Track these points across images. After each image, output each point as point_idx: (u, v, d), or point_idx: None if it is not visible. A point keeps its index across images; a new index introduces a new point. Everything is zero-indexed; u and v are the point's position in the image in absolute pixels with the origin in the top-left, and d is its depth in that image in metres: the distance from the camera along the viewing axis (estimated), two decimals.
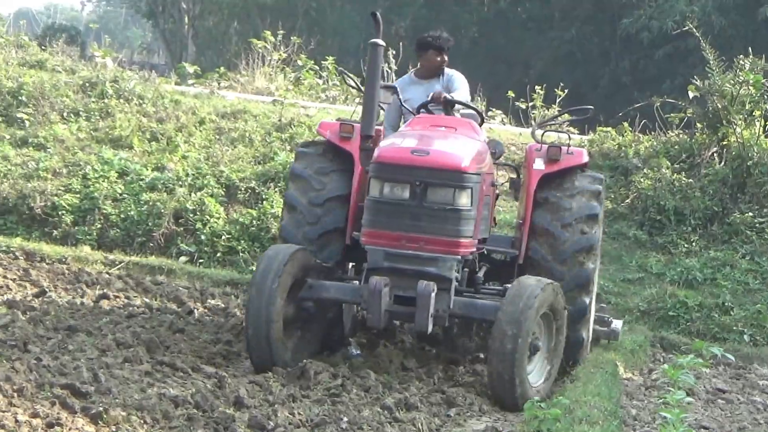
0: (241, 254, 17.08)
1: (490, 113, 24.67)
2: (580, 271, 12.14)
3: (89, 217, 17.75)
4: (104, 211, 17.78)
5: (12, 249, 16.05)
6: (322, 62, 26.53)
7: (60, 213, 17.73)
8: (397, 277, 11.07)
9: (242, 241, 17.30)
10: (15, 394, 8.83)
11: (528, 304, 10.72)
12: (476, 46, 45.51)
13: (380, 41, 11.70)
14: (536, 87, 24.50)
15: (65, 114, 21.12)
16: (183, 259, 17.17)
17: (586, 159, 12.89)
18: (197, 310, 14.17)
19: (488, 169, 11.98)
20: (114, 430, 8.36)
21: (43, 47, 26.92)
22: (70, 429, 8.18)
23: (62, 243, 17.05)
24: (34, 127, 20.40)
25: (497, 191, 13.13)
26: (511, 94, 24.97)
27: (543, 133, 13.13)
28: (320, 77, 26.06)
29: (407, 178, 11.25)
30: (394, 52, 24.60)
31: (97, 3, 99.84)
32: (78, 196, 18.04)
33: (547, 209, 12.33)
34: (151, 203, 17.83)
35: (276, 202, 17.33)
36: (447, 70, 12.89)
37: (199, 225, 17.33)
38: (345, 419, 9.55)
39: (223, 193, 17.94)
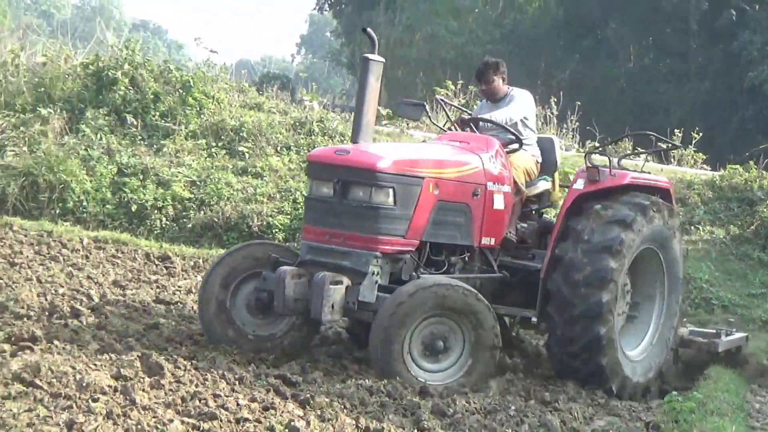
0: None
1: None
2: (591, 302, 10.74)
3: (298, 235, 17.94)
4: None
5: None
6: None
7: (273, 231, 18.15)
8: (317, 270, 10.32)
9: None
10: (236, 383, 9.12)
11: (393, 311, 9.83)
12: (624, 95, 45.34)
13: (372, 56, 11.16)
14: (675, 131, 24.56)
15: (279, 148, 21.69)
16: None
17: (628, 181, 11.41)
18: None
19: (460, 177, 10.91)
20: (319, 413, 8.47)
21: (260, 92, 27.49)
22: (282, 412, 8.34)
23: None
24: (252, 158, 20.99)
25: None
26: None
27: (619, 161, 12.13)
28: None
29: (329, 176, 10.64)
30: (555, 99, 24.70)
31: (304, 55, 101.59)
32: (289, 216, 18.47)
33: (569, 234, 11.14)
34: None
35: None
36: (514, 90, 12.04)
37: None
38: (512, 408, 9.58)
39: None
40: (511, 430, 8.87)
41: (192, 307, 12.68)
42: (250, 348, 10.75)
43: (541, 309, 11.13)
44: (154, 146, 20.68)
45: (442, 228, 10.82)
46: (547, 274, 11.08)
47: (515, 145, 11.73)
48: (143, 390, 8.30)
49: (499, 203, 11.18)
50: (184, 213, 18.76)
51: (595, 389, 10.88)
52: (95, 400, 7.78)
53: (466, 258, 11.17)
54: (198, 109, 22.40)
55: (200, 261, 16.48)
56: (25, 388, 7.88)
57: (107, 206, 18.84)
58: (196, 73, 24.02)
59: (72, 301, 12.02)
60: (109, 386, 8.22)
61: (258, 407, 8.40)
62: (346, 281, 10.24)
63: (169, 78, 21.96)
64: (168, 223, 18.62)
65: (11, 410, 7.26)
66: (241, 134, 21.74)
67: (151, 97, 21.08)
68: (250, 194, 19.20)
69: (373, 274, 10.27)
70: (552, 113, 24.21)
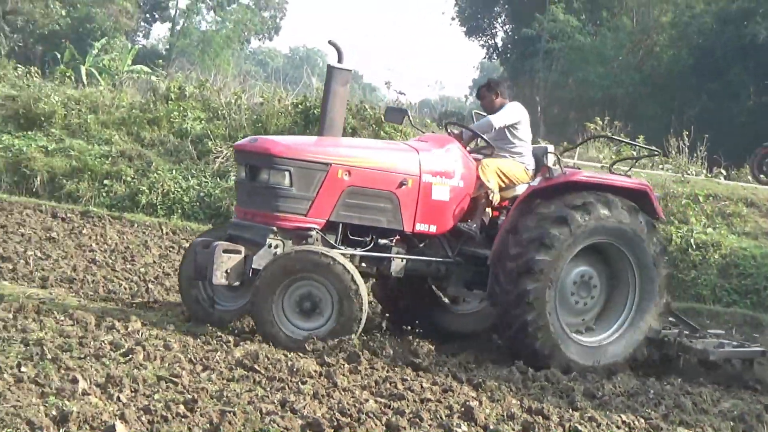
0: None
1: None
2: (520, 290, 10.41)
3: None
4: None
5: None
6: (636, 138, 26.86)
7: None
8: (231, 242, 10.31)
9: None
10: (421, 371, 9.47)
11: (263, 274, 9.94)
12: (745, 128, 44.26)
13: (337, 65, 11.01)
14: None
15: None
16: None
17: (577, 179, 10.88)
18: None
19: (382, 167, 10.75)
20: (489, 395, 8.74)
21: (439, 127, 28.12)
22: (458, 393, 8.65)
23: None
24: None
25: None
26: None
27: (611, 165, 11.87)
28: (634, 150, 26.35)
29: (243, 161, 10.82)
30: (688, 133, 24.57)
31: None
32: None
33: (512, 227, 10.79)
34: None
35: None
36: (507, 103, 11.60)
37: None
38: (651, 391, 9.73)
39: None
40: (650, 410, 9.00)
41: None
42: (214, 320, 10.68)
43: (490, 293, 10.90)
44: None
45: (357, 211, 10.69)
46: (492, 263, 10.87)
47: (487, 149, 11.54)
48: (343, 374, 8.71)
49: (439, 195, 10.93)
50: None
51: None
52: (304, 383, 8.21)
53: (396, 241, 11.02)
54: None
55: None
56: (246, 373, 8.35)
57: None
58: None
59: None
60: (315, 371, 8.65)
61: (438, 389, 8.74)
62: (244, 251, 10.23)
63: (365, 115, 22.48)
64: None
65: (235, 390, 7.70)
66: None
67: (350, 131, 21.73)
68: None
69: (270, 246, 10.26)
70: (684, 144, 24.00)
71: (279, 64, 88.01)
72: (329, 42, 11.20)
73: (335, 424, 7.17)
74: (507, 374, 9.81)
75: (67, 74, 28.79)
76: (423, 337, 11.00)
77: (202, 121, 22.86)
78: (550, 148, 12.12)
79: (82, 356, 8.10)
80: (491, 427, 7.75)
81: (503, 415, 8.15)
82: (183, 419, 6.82)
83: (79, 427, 6.30)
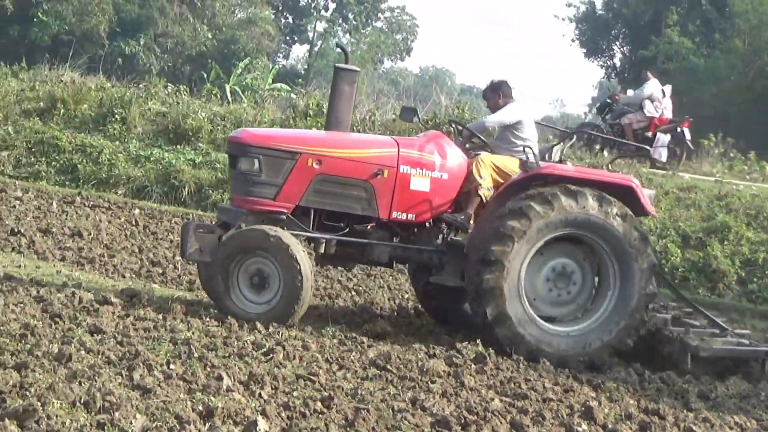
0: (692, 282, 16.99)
1: None
2: (478, 280, 10.23)
3: None
4: None
5: None
6: (747, 155, 26.32)
7: None
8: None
9: (693, 273, 16.99)
10: (544, 371, 9.43)
11: (219, 249, 10.22)
12: None
13: (343, 65, 11.15)
14: None
15: None
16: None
17: (549, 172, 10.59)
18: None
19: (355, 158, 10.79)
20: (608, 395, 8.69)
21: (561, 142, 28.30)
22: (579, 394, 8.63)
23: None
24: None
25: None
26: None
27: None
28: (745, 164, 25.83)
29: (227, 150, 11.41)
30: None
31: (594, 114, 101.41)
32: None
33: (484, 218, 10.69)
34: None
35: (719, 248, 17.15)
36: (509, 103, 11.32)
37: (663, 261, 17.52)
38: (763, 394, 9.51)
39: (679, 240, 17.74)
40: (762, 412, 8.85)
41: None
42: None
43: (466, 284, 10.68)
44: None
45: (328, 198, 10.76)
46: (465, 254, 10.73)
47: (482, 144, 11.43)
48: (470, 374, 8.69)
49: (418, 185, 10.81)
50: None
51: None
52: (433, 382, 8.23)
53: (375, 228, 10.98)
54: None
55: None
56: (379, 372, 8.40)
57: None
58: None
59: (417, 304, 12.44)
60: (444, 371, 8.65)
61: (560, 389, 8.69)
62: (219, 231, 10.50)
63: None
64: None
65: (369, 389, 7.73)
66: None
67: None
68: None
69: (239, 227, 10.47)
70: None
71: (410, 82, 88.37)
72: (336, 45, 12.05)
73: (462, 421, 7.17)
74: (625, 376, 9.68)
75: (213, 92, 29.36)
76: (462, 333, 10.84)
77: None
78: (557, 149, 11.74)
79: (227, 355, 8.19)
80: (610, 426, 7.71)
81: (621, 415, 8.09)
82: (320, 415, 6.86)
83: (224, 422, 6.36)
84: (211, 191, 19.92)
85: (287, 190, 10.70)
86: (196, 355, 7.87)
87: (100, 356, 7.50)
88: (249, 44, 52.43)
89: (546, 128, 12.05)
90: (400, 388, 8.02)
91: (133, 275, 12.98)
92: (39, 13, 47.20)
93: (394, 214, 10.80)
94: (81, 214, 17.20)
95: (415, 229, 11.11)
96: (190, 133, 22.45)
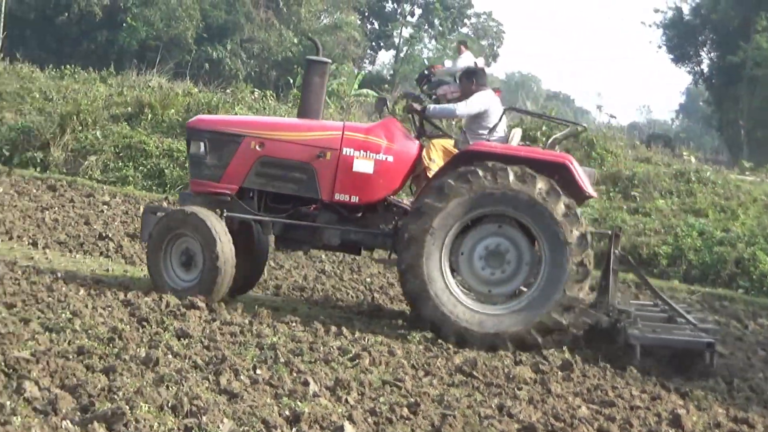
0: None
1: None
2: (400, 258, 10.26)
3: (678, 261, 18.15)
4: (689, 258, 18.10)
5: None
6: None
7: (659, 258, 18.22)
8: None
9: None
10: (631, 378, 9.24)
11: (154, 229, 10.70)
12: None
13: (315, 57, 11.59)
14: None
15: (663, 193, 21.82)
16: (740, 291, 17.07)
17: (476, 149, 10.40)
18: (750, 324, 14.01)
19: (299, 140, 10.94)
20: (696, 404, 8.53)
21: (648, 148, 27.89)
22: (666, 402, 8.43)
23: (659, 278, 17.38)
24: (642, 201, 21.26)
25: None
26: None
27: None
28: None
29: (185, 136, 11.73)
30: None
31: (681, 119, 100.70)
32: (671, 247, 18.40)
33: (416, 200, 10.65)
34: (719, 253, 17.92)
35: None
36: (477, 93, 11.17)
37: (751, 269, 17.32)
38: None
39: None
40: None
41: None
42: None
43: None
44: None
45: (270, 179, 11.03)
46: None
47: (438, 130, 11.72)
48: (557, 381, 8.61)
49: (361, 167, 10.78)
50: None
51: None
52: (520, 389, 8.15)
53: (314, 209, 11.10)
54: (600, 161, 23.18)
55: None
56: (465, 378, 8.36)
57: None
58: (598, 134, 25.34)
59: None
60: (531, 378, 8.60)
61: (647, 397, 8.54)
62: (161, 214, 10.99)
63: (578, 137, 22.55)
64: None
65: (455, 395, 7.69)
66: (633, 182, 22.22)
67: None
68: (640, 229, 19.29)
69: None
70: None
71: (495, 88, 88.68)
72: (308, 38, 12.43)
73: (550, 428, 7.13)
74: (713, 384, 9.49)
75: (299, 98, 29.44)
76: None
77: None
78: (517, 133, 11.54)
79: (313, 360, 8.21)
80: None
81: (710, 423, 7.95)
82: (406, 421, 6.85)
83: (310, 427, 6.36)
84: None
85: (231, 172, 11.07)
86: (282, 360, 7.91)
87: (187, 360, 7.57)
88: (335, 50, 52.71)
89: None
90: (486, 394, 7.96)
91: None
92: (128, 19, 47.96)
93: (337, 196, 10.87)
94: None
95: (366, 213, 11.12)
96: None
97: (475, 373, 8.50)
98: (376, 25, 70.35)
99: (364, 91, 40.76)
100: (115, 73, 30.99)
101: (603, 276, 11.18)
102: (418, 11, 70.47)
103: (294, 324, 9.72)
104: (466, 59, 24.51)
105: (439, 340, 9.85)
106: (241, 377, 7.25)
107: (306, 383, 7.25)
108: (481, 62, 24.71)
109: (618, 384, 8.94)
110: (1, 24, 43.45)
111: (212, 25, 50.85)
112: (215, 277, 10.35)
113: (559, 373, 9.01)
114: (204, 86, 30.18)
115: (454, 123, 20.83)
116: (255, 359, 7.90)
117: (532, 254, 10.33)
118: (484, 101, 11.12)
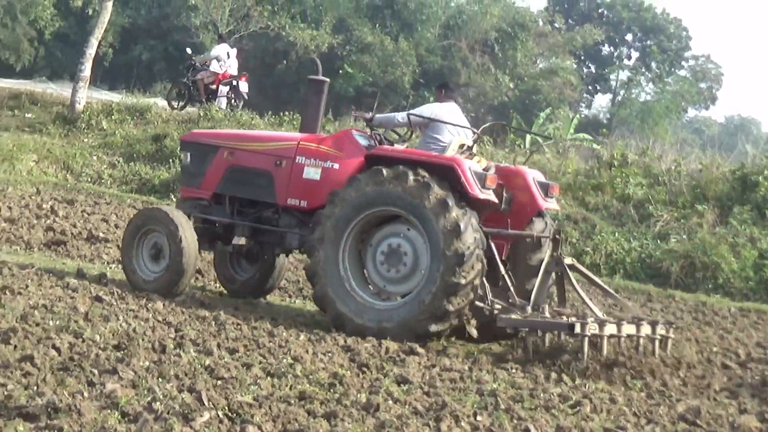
0: None
1: None
2: (307, 265, 11.64)
3: None
4: None
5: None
6: None
7: None
8: None
9: None
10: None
11: (128, 225, 12.65)
12: None
13: (315, 77, 13.00)
14: None
15: None
16: None
17: (374, 153, 11.42)
18: None
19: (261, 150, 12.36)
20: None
21: None
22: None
23: None
24: None
25: None
26: None
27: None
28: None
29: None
30: None
31: None
32: None
33: None
34: None
35: None
36: (428, 103, 12.76)
37: None
38: None
39: None
40: None
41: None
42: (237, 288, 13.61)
43: None
44: None
45: (237, 186, 12.49)
46: None
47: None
48: None
49: (310, 174, 11.83)
50: None
51: None
52: None
53: (273, 212, 12.29)
54: None
55: None
56: (688, 427, 8.08)
57: (750, 282, 19.50)
58: None
59: (724, 358, 11.65)
60: (756, 428, 8.21)
61: None
62: None
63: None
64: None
65: None
66: None
67: None
68: None
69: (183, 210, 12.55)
70: None
71: (714, 132, 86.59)
72: (313, 60, 13.20)
73: None
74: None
75: (517, 142, 29.77)
76: None
77: (644, 187, 23.39)
78: (455, 141, 11.92)
79: (533, 407, 8.20)
80: None
81: None
82: None
83: None
84: None
85: (207, 179, 12.67)
86: (502, 406, 7.93)
87: (407, 406, 7.68)
88: (551, 94, 52.59)
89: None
90: None
91: None
92: (345, 66, 49.20)
93: (289, 201, 12.01)
94: None
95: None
96: None
97: (698, 422, 8.26)
98: (593, 69, 69.92)
99: (581, 135, 40.51)
100: (333, 119, 31.85)
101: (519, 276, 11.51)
102: (635, 54, 69.77)
103: (514, 370, 9.75)
104: (219, 49, 29.79)
105: (662, 388, 9.67)
106: (462, 424, 7.29)
107: (527, 430, 7.27)
108: (233, 52, 30.37)
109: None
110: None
111: (428, 71, 51.53)
112: (179, 270, 11.83)
113: None
114: None
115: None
116: (475, 406, 7.93)
117: (428, 248, 10.82)
118: (431, 111, 11.97)
